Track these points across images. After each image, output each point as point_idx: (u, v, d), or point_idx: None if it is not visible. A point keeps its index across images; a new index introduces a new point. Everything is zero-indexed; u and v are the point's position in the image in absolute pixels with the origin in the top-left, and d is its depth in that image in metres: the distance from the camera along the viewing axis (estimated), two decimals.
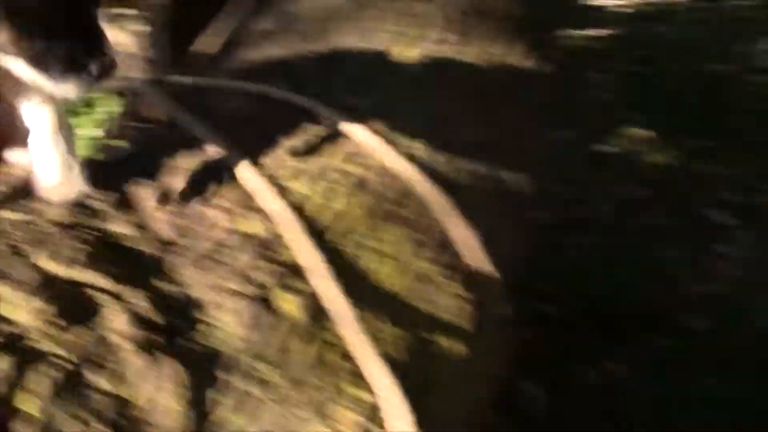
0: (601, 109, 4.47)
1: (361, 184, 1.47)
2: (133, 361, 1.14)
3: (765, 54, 4.87)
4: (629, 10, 5.44)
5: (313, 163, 1.48)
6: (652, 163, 4.08)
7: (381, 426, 1.20)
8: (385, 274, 1.36)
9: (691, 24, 5.31)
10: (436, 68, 1.69)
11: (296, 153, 1.48)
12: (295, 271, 1.30)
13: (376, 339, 1.26)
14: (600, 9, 5.38)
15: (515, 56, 1.79)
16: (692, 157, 4.06)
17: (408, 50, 1.71)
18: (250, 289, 1.26)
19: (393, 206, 1.44)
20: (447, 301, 1.39)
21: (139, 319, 1.18)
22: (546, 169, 3.79)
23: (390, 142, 1.51)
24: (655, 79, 4.68)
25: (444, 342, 1.36)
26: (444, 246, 1.44)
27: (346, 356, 1.24)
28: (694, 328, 3.12)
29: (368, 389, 1.22)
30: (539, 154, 2.00)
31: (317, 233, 1.35)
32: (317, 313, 1.26)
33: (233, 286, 1.26)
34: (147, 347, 1.15)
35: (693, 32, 5.19)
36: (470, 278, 1.43)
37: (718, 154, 4.06)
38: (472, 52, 1.75)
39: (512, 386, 2.86)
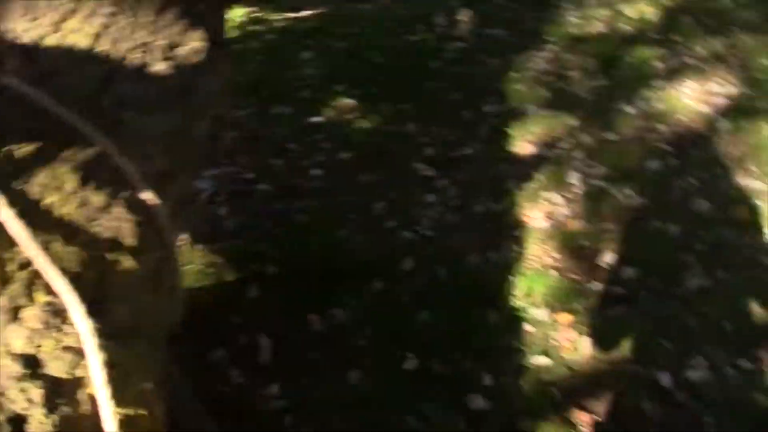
0: (310, 84, 4.70)
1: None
2: None
3: (461, 24, 5.24)
4: None
5: None
6: (360, 128, 4.35)
7: (64, 321, 1.46)
8: (63, 207, 1.60)
9: (394, 1, 5.65)
10: (108, 37, 1.90)
11: None
12: None
13: (53, 256, 1.49)
14: None
15: (179, 27, 2.02)
16: (395, 119, 4.36)
17: (81, 25, 1.91)
18: None
19: (69, 152, 1.68)
20: (116, 224, 1.64)
21: None
22: (261, 141, 4.08)
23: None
24: (359, 53, 4.95)
25: (116, 257, 1.61)
26: (113, 182, 1.69)
27: (33, 272, 1.49)
28: (404, 270, 3.44)
29: (53, 294, 1.46)
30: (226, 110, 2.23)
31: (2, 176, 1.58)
32: (6, 240, 1.50)
33: None
34: None
35: (395, 8, 5.48)
36: (135, 205, 1.69)
37: (419, 115, 4.38)
38: (142, 23, 1.97)
39: (239, 340, 3.11)
